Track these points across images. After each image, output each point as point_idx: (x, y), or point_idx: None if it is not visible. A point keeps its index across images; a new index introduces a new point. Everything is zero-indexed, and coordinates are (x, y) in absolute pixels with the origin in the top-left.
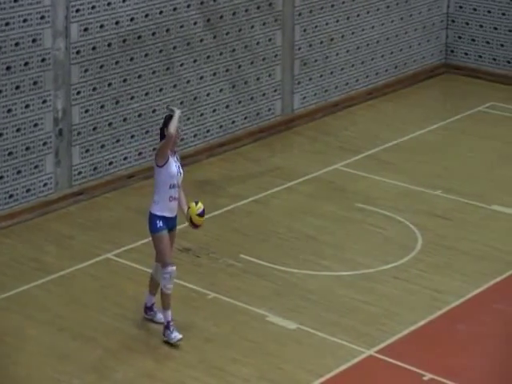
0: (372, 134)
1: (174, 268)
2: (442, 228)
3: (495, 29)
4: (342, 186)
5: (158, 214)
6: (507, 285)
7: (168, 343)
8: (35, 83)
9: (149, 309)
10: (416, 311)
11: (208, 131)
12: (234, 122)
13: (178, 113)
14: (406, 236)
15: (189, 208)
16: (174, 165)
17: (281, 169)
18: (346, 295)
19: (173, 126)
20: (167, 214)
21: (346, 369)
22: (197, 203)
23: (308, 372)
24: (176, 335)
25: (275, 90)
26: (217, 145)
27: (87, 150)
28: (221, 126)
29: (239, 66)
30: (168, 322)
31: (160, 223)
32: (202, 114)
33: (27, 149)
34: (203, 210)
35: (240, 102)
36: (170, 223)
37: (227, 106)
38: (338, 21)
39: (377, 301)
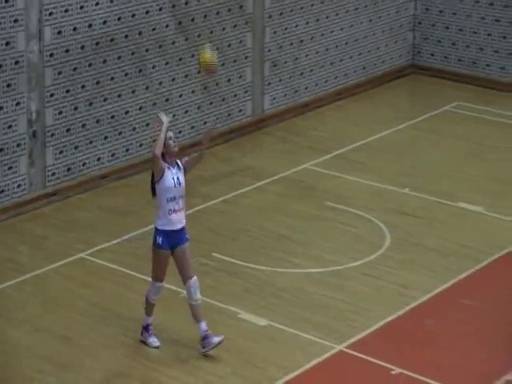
0: (341, 134)
1: (161, 284)
2: (410, 225)
3: (460, 30)
4: (311, 185)
5: (159, 228)
6: (473, 281)
7: (144, 342)
8: (9, 85)
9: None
10: (384, 307)
11: (180, 132)
12: (205, 122)
13: (165, 121)
14: (374, 234)
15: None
16: (170, 177)
17: (251, 168)
18: (316, 292)
19: (157, 148)
20: (168, 228)
21: (317, 364)
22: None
23: (279, 368)
24: (154, 341)
25: (246, 91)
26: (189, 145)
27: (61, 152)
28: (193, 127)
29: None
30: (147, 325)
31: (160, 239)
32: (174, 115)
33: (1, 150)
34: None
35: (211, 103)
36: (173, 238)
37: (199, 107)
38: (307, 23)
39: (346, 297)
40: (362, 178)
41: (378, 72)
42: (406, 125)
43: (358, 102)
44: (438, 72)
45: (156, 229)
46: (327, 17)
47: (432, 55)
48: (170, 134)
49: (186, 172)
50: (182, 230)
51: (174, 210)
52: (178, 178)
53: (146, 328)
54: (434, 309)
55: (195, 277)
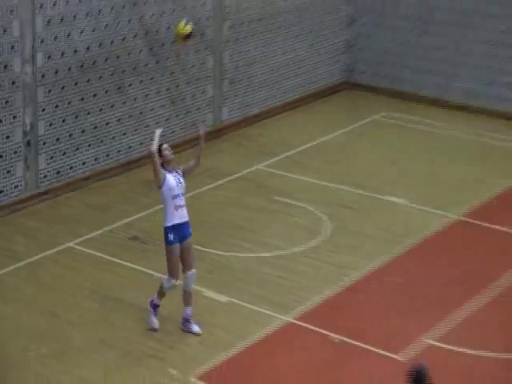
0: (286, 140)
1: (176, 282)
2: (346, 216)
3: (386, 52)
4: (262, 183)
5: (169, 224)
6: (399, 261)
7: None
8: (7, 102)
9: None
10: (324, 284)
11: (152, 140)
12: (173, 132)
13: (157, 132)
14: (316, 223)
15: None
16: (171, 179)
17: (212, 169)
18: (267, 272)
19: (153, 145)
20: (176, 222)
21: (268, 333)
22: (187, 24)
23: (236, 336)
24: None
25: (207, 105)
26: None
27: (51, 157)
28: (163, 136)
29: (177, 86)
30: (156, 305)
31: (171, 236)
32: (146, 126)
33: (0, 157)
34: (190, 33)
35: (178, 116)
36: (181, 231)
37: (167, 119)
38: (258, 47)
39: (292, 276)
40: (304, 176)
41: (317, 88)
42: (341, 131)
43: (300, 113)
44: (367, 88)
45: (166, 227)
46: (274, 42)
47: (363, 73)
48: (166, 145)
49: (185, 176)
50: (187, 223)
51: (180, 206)
52: (178, 179)
53: (154, 307)
54: (365, 285)
55: (194, 270)
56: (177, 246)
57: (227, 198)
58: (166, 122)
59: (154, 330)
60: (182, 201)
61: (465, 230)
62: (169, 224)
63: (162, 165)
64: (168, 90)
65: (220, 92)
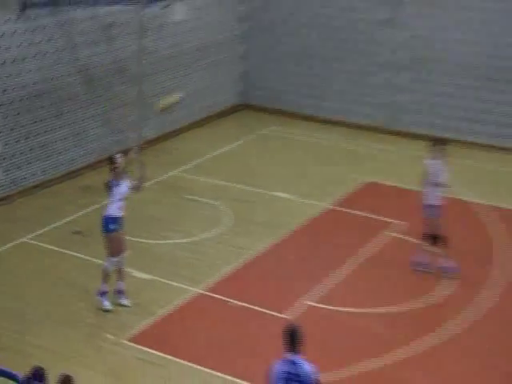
0: (195, 151)
1: (116, 259)
2: (242, 208)
3: (273, 80)
4: (176, 185)
5: (112, 215)
6: (284, 241)
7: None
8: None
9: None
10: (227, 262)
11: (91, 153)
12: (105, 147)
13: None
14: (219, 214)
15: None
16: (120, 188)
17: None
18: (181, 255)
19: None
20: (118, 215)
21: (183, 302)
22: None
23: (158, 306)
24: (107, 304)
25: (131, 125)
26: (96, 162)
27: (8, 170)
28: (100, 149)
29: (112, 109)
30: (104, 292)
31: (112, 226)
32: (86, 143)
33: None
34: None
35: (111, 133)
36: (118, 222)
37: (100, 137)
38: (171, 78)
39: (201, 257)
40: (209, 178)
41: (219, 109)
42: (238, 143)
43: (206, 130)
44: (259, 108)
45: (107, 218)
46: (184, 75)
47: (255, 97)
48: (119, 155)
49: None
50: (122, 217)
51: (121, 205)
52: (124, 187)
53: (102, 294)
54: (259, 261)
55: (125, 253)
56: (115, 234)
57: (149, 197)
58: (102, 137)
59: (108, 310)
60: (123, 202)
61: (334, 216)
62: (112, 215)
63: (116, 171)
64: (103, 113)
65: (141, 115)
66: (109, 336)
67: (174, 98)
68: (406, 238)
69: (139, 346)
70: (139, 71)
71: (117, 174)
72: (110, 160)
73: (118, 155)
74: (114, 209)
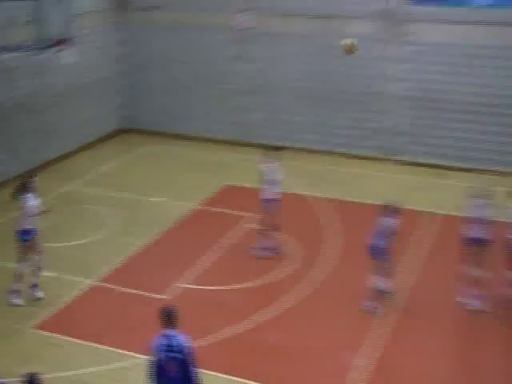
0: (86, 169)
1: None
2: (127, 212)
3: (150, 108)
4: (73, 197)
5: (27, 228)
6: (164, 236)
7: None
8: None
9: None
10: (116, 256)
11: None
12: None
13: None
14: (108, 218)
15: None
16: (34, 204)
17: (41, 191)
18: (77, 254)
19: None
20: (31, 227)
21: (80, 293)
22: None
23: (59, 298)
24: (19, 301)
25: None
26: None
27: None
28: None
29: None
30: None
31: (28, 236)
32: None
33: None
34: None
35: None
36: (33, 233)
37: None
38: (67, 108)
39: (94, 254)
40: (99, 189)
41: (103, 134)
42: (122, 160)
43: (94, 151)
44: (137, 131)
45: (22, 231)
46: (74, 106)
47: (134, 121)
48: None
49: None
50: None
51: (34, 219)
52: (35, 205)
53: (14, 292)
54: (142, 254)
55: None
56: (28, 243)
57: (50, 208)
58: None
59: (21, 305)
60: (36, 217)
61: (201, 213)
62: (27, 228)
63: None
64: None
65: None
66: (17, 326)
67: (350, 40)
68: (257, 227)
69: (43, 332)
70: None
71: (32, 191)
72: (30, 177)
73: (35, 176)
74: (29, 222)
